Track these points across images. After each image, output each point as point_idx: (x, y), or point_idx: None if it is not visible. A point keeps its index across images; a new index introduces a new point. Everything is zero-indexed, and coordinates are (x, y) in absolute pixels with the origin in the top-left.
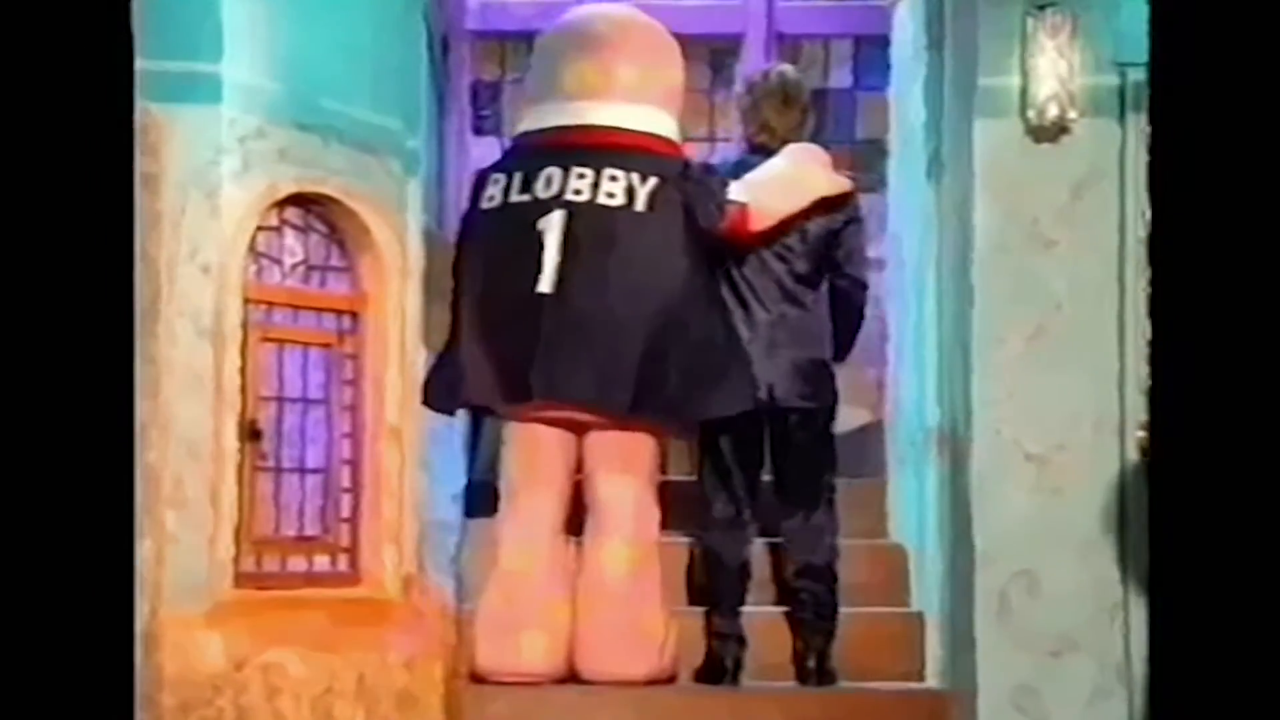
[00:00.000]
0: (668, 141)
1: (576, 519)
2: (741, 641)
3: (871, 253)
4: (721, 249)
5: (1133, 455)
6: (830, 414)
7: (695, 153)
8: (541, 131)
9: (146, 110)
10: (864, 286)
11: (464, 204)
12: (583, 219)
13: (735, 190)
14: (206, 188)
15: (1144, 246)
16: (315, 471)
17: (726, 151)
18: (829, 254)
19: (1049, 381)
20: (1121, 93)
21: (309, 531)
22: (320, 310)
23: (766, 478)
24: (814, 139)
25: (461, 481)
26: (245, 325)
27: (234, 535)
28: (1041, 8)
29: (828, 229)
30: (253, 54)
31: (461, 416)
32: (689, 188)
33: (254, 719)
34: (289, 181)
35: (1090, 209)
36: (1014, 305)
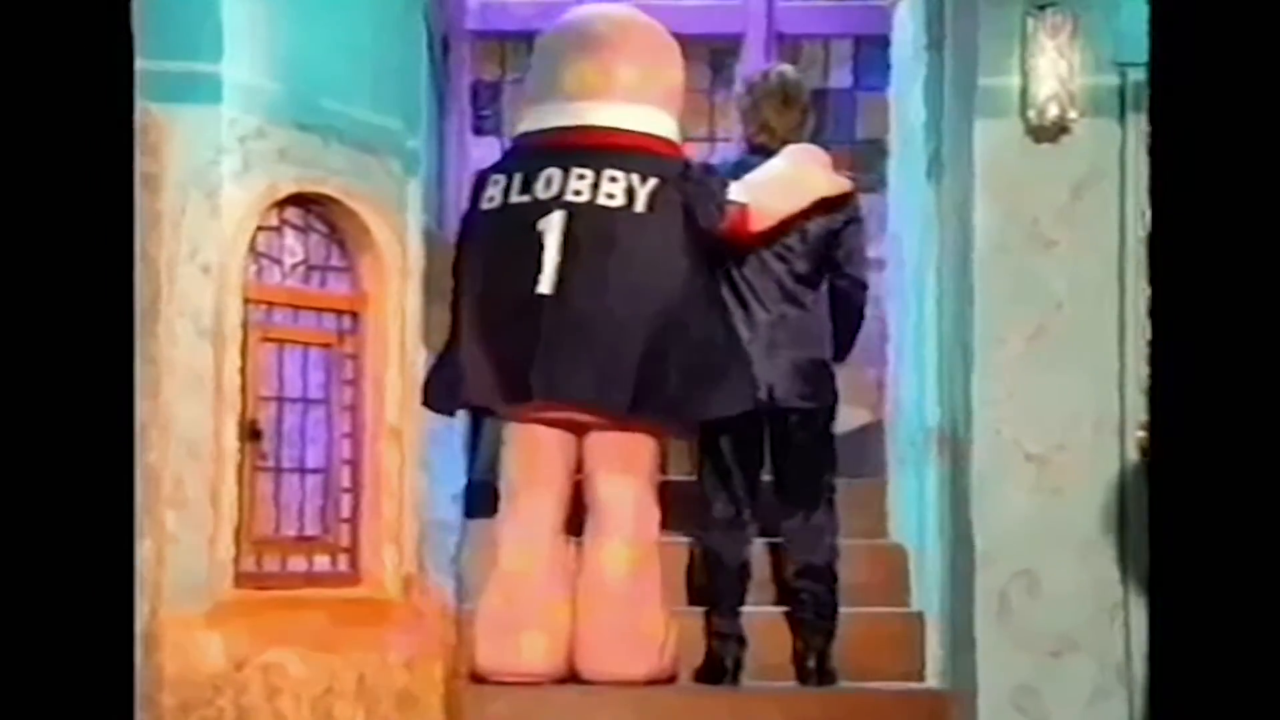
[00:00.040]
0: (668, 142)
1: (576, 519)
2: (741, 641)
3: (871, 253)
4: (721, 249)
5: (1133, 455)
6: (830, 414)
7: (695, 153)
8: (541, 132)
9: (146, 110)
10: (864, 286)
11: (464, 204)
12: (583, 219)
13: (735, 191)
14: (206, 188)
15: (1144, 246)
16: (315, 471)
17: (726, 151)
18: (829, 254)
19: (1049, 381)
20: (1121, 93)
21: (309, 531)
22: (320, 310)
23: (766, 478)
24: (814, 139)
25: (461, 481)
26: (245, 325)
27: (234, 535)
28: (1041, 8)
29: (828, 229)
30: (253, 54)
31: (461, 416)
32: (689, 188)
33: (254, 719)
34: (289, 181)
35: (1090, 209)
36: (1014, 305)
